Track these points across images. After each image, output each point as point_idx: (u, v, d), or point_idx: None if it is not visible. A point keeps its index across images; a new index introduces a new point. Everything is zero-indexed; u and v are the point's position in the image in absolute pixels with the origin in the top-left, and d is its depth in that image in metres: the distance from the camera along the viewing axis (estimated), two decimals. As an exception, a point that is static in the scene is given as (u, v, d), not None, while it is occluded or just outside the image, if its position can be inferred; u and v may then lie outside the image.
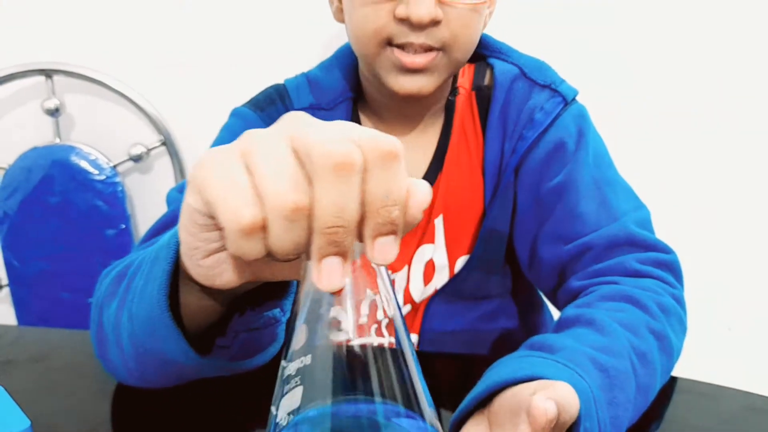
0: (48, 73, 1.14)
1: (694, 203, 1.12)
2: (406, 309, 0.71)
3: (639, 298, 0.53)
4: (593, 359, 0.44)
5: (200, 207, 0.28)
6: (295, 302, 0.29)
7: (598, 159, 0.65)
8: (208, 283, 0.35)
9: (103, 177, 1.18)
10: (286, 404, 0.27)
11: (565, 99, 0.65)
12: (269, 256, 0.26)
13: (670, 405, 0.52)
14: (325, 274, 0.25)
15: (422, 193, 0.26)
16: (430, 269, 0.69)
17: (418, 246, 0.68)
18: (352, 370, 0.26)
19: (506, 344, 0.73)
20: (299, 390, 0.27)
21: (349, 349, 0.27)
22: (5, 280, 1.24)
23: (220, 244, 0.32)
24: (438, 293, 0.69)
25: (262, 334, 0.42)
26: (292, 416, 0.27)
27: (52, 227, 1.20)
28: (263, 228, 0.25)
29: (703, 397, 0.53)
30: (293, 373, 0.27)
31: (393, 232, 0.25)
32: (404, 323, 0.29)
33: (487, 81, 0.68)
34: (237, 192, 0.25)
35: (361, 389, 0.26)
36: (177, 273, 0.37)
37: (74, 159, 1.17)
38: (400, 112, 0.67)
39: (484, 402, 0.41)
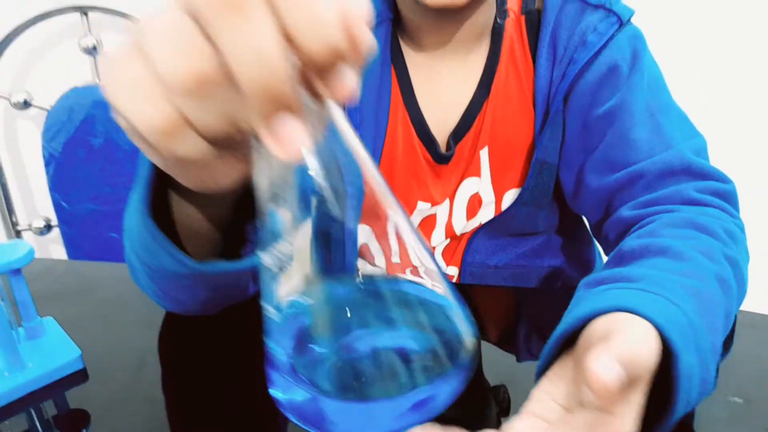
0: (83, 10, 1.13)
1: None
2: (446, 242, 0.69)
3: (707, 224, 0.49)
4: (682, 284, 0.40)
5: (125, 124, 0.23)
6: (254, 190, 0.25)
7: (653, 84, 0.61)
8: (186, 183, 0.31)
9: (143, 116, 1.18)
10: (271, 286, 0.24)
11: (620, 19, 0.60)
12: (217, 145, 0.22)
13: (734, 338, 0.49)
14: (282, 140, 0.20)
15: (356, 3, 0.21)
16: (474, 203, 0.67)
17: (462, 179, 0.66)
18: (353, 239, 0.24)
19: (552, 280, 0.71)
20: (289, 269, 0.24)
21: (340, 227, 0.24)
22: (55, 221, 1.28)
23: None
24: (483, 227, 0.67)
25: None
26: (289, 286, 0.24)
27: (97, 168, 1.22)
28: (186, 121, 0.21)
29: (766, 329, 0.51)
30: (277, 252, 0.24)
31: (340, 60, 0.21)
32: (426, 247, 0.25)
33: (537, 4, 0.64)
34: (138, 90, 0.21)
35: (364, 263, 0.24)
36: (164, 183, 0.35)
37: (114, 99, 1.18)
38: (439, 35, 0.63)
39: (569, 343, 0.37)
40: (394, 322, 0.24)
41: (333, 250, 0.24)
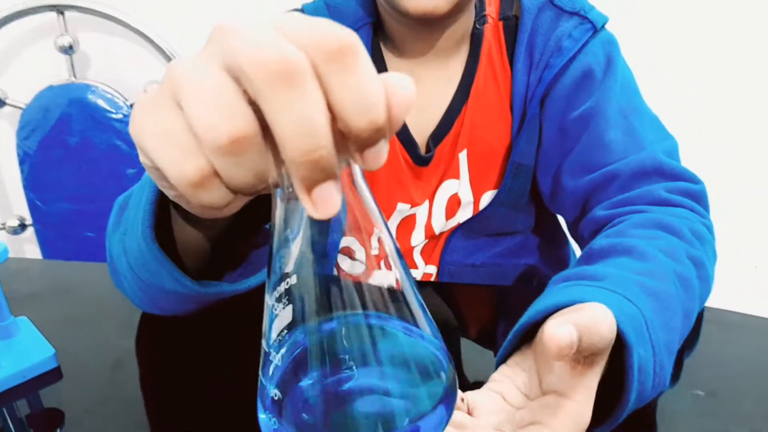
0: (60, 9, 1.12)
1: (717, 130, 1.08)
2: (425, 242, 0.70)
3: (673, 225, 0.51)
4: (641, 284, 0.41)
5: (151, 165, 0.24)
6: (270, 228, 0.26)
7: (626, 88, 0.62)
8: (197, 212, 0.33)
9: (120, 116, 1.17)
10: (277, 325, 0.26)
11: (594, 26, 0.61)
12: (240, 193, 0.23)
13: (701, 334, 0.51)
14: (320, 203, 0.21)
15: (404, 88, 0.22)
16: (453, 204, 0.68)
17: (441, 181, 0.67)
18: (341, 290, 0.25)
19: (528, 279, 0.72)
20: (289, 308, 0.25)
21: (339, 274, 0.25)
22: (29, 220, 1.26)
23: None
24: (460, 227, 0.68)
25: (261, 244, 0.42)
26: (285, 331, 0.26)
27: (73, 167, 1.20)
28: (215, 174, 0.22)
29: (733, 327, 0.52)
30: (278, 297, 0.26)
31: (381, 138, 0.22)
32: (399, 253, 0.27)
33: (514, 10, 0.65)
34: (172, 142, 0.22)
35: (357, 306, 0.25)
36: (166, 201, 0.36)
37: (91, 98, 1.17)
38: (420, 42, 0.64)
39: (530, 336, 0.38)
40: (379, 363, 0.25)
41: (331, 293, 0.25)
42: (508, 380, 0.36)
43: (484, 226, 0.68)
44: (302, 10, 0.67)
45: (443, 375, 0.27)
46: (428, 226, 0.68)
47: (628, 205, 0.57)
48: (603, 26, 0.62)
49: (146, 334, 0.53)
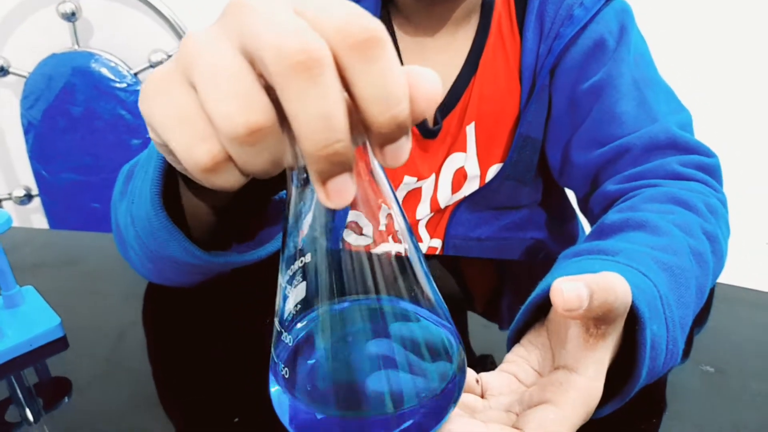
0: (62, -25, 1.10)
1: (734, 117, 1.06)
2: (430, 215, 0.69)
3: (688, 199, 0.50)
4: (656, 259, 0.40)
5: (161, 142, 0.24)
6: (285, 206, 0.26)
7: (639, 58, 0.61)
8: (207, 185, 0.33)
9: (124, 85, 1.16)
10: (290, 304, 0.26)
11: (607, -8, 0.59)
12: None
13: (711, 310, 0.50)
14: (333, 194, 0.21)
15: (429, 82, 0.21)
16: (459, 177, 0.67)
17: (447, 154, 0.66)
18: (353, 271, 0.25)
19: (534, 253, 0.72)
20: (301, 287, 0.26)
21: (350, 253, 0.25)
22: (35, 190, 1.26)
23: None
24: (465, 200, 0.68)
25: (270, 219, 0.41)
26: (298, 309, 0.26)
27: (77, 137, 1.20)
28: (229, 158, 0.21)
29: (743, 304, 0.52)
30: (290, 277, 0.26)
31: (403, 135, 0.21)
32: (410, 231, 0.27)
33: None
34: (185, 125, 0.21)
35: (368, 287, 0.25)
36: (173, 169, 0.36)
37: (94, 66, 1.15)
38: (431, 14, 0.63)
39: (542, 312, 0.37)
40: (390, 342, 0.26)
41: (343, 273, 0.25)
42: (522, 360, 0.36)
43: (490, 199, 0.68)
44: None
45: (453, 355, 0.27)
46: (434, 200, 0.67)
47: (641, 179, 0.56)
48: (617, -7, 0.61)
49: (151, 304, 0.53)
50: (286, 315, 0.26)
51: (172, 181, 0.38)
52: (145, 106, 0.23)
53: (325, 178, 0.21)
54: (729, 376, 0.42)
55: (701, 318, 0.48)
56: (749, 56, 1.03)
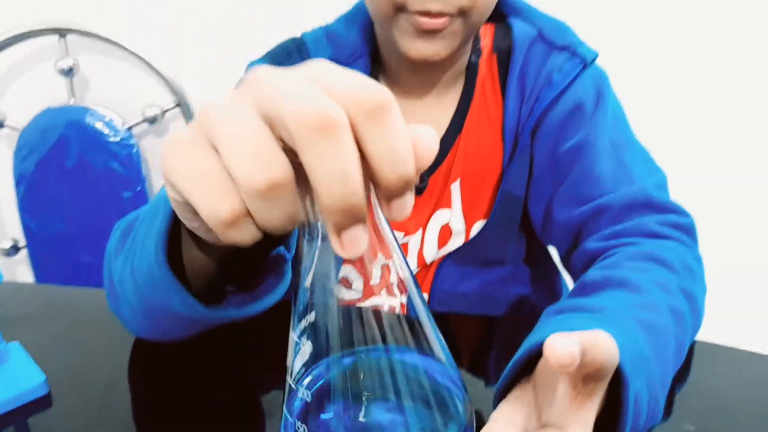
0: (62, 33, 1.13)
1: (705, 170, 1.10)
2: (416, 270, 0.70)
3: (665, 258, 0.52)
4: (637, 317, 0.42)
5: (181, 200, 0.26)
6: (296, 262, 0.28)
7: (616, 122, 0.63)
8: (212, 241, 0.34)
9: (118, 138, 1.18)
10: (300, 360, 0.27)
11: (584, 61, 0.63)
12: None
13: (691, 367, 0.51)
14: (348, 245, 0.23)
15: (429, 140, 0.23)
16: (445, 233, 0.68)
17: (434, 210, 0.68)
18: (363, 324, 0.26)
19: (520, 308, 0.73)
20: (310, 343, 0.27)
21: (359, 307, 0.26)
22: (23, 242, 1.26)
23: None
24: (450, 255, 0.69)
25: (269, 273, 0.42)
26: (305, 368, 0.27)
27: (68, 189, 1.21)
28: (248, 213, 0.23)
29: (725, 361, 0.53)
30: (302, 332, 0.27)
31: (408, 190, 0.23)
32: (416, 283, 0.28)
33: (506, 43, 0.66)
34: (207, 183, 0.23)
35: (377, 340, 0.26)
36: (178, 224, 0.37)
37: (89, 120, 1.17)
38: (419, 77, 0.65)
39: (529, 369, 0.38)
40: (398, 396, 0.27)
41: (352, 327, 0.26)
42: (507, 418, 0.36)
43: (475, 254, 0.69)
44: (303, 39, 0.68)
45: (461, 408, 0.27)
46: (420, 255, 0.69)
47: (620, 237, 0.58)
48: (593, 61, 0.64)
49: (138, 358, 0.52)
50: (297, 371, 0.27)
51: (174, 237, 0.39)
52: (167, 166, 0.25)
53: (340, 230, 0.23)
54: (709, 435, 0.42)
55: (683, 376, 0.49)
56: (722, 118, 1.07)
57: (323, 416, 0.27)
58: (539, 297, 0.74)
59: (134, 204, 1.20)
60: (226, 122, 0.23)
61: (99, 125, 1.18)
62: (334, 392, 0.27)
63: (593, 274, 0.51)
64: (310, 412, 0.27)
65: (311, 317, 0.27)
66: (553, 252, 0.75)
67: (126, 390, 0.49)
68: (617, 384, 0.35)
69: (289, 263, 0.43)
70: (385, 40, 0.63)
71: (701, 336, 0.53)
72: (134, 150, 1.19)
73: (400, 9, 0.55)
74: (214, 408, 0.46)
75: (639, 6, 1.02)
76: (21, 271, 1.41)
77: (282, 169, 0.22)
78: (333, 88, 0.22)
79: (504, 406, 0.37)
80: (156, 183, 1.25)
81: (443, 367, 0.28)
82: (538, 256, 0.74)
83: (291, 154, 0.22)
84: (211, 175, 0.23)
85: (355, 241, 0.23)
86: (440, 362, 0.28)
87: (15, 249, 1.30)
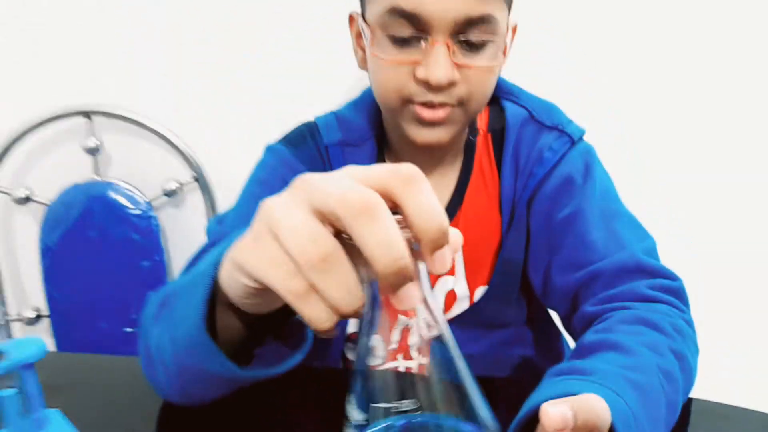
0: (88, 114, 1.21)
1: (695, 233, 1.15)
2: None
3: (656, 321, 0.56)
4: (627, 378, 0.46)
5: (252, 284, 0.34)
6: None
7: (605, 193, 0.69)
8: (252, 311, 0.39)
9: (138, 211, 1.24)
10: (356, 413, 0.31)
11: (571, 138, 0.69)
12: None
13: (689, 426, 0.54)
14: (404, 300, 0.28)
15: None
16: (450, 299, 0.73)
17: (438, 277, 0.72)
18: (413, 385, 0.31)
19: (523, 369, 0.76)
20: (360, 410, 0.31)
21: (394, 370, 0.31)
22: (45, 311, 1.31)
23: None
24: (455, 319, 0.73)
25: (293, 336, 0.46)
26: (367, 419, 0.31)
27: (91, 260, 1.26)
28: (315, 290, 0.29)
29: (721, 419, 0.55)
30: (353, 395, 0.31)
31: (446, 242, 0.29)
32: (450, 333, 0.33)
33: (501, 123, 0.73)
34: (278, 267, 0.29)
35: (424, 401, 0.31)
36: (213, 297, 0.42)
37: (112, 194, 1.24)
38: (421, 156, 0.71)
39: (529, 428, 0.41)
40: None
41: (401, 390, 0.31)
42: None
43: (478, 318, 0.73)
44: (315, 123, 0.74)
45: None
46: (427, 321, 0.73)
47: (614, 301, 0.62)
48: (580, 138, 0.70)
49: (168, 421, 0.56)
50: (350, 418, 0.31)
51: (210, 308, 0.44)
52: (242, 259, 0.32)
53: (395, 289, 0.28)
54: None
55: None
56: (703, 183, 1.13)
57: None
58: (542, 358, 0.77)
59: (152, 272, 1.25)
60: (284, 217, 0.29)
61: (121, 199, 1.24)
62: None
63: (589, 337, 0.55)
64: None
65: (361, 383, 0.32)
66: (555, 315, 0.79)
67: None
68: None
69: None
70: (391, 124, 0.70)
71: (700, 395, 0.57)
72: (153, 222, 1.25)
73: (407, 101, 0.62)
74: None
75: (622, 77, 1.09)
76: (42, 338, 1.44)
77: (330, 242, 0.28)
78: (367, 176, 0.29)
79: None
80: (173, 253, 1.30)
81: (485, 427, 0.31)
82: (540, 319, 0.78)
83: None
84: (278, 259, 0.29)
85: (408, 296, 0.28)
86: (482, 424, 0.31)
87: (37, 317, 1.35)
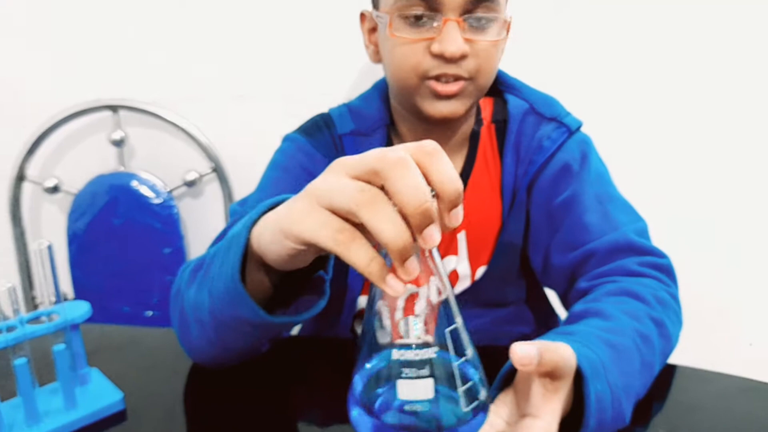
0: (114, 108, 1.28)
1: (688, 215, 1.20)
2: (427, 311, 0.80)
3: (638, 292, 0.61)
4: (600, 337, 0.52)
5: (298, 246, 0.41)
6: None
7: (600, 178, 0.74)
8: (284, 267, 0.46)
9: (160, 201, 1.31)
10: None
11: (569, 129, 0.74)
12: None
13: (673, 388, 0.59)
14: (409, 270, 0.35)
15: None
16: (452, 278, 0.78)
17: (443, 257, 0.78)
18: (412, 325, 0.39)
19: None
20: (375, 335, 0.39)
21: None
22: (71, 295, 1.37)
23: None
24: (457, 297, 0.78)
25: (313, 290, 0.52)
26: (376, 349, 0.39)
27: (114, 246, 1.33)
28: (358, 235, 0.36)
29: (701, 381, 0.60)
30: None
31: (461, 202, 0.36)
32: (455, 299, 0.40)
33: (503, 115, 0.78)
34: (327, 227, 0.37)
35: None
36: (244, 259, 0.48)
37: (135, 185, 1.31)
38: (427, 138, 0.76)
39: (511, 379, 0.48)
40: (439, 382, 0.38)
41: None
42: (494, 413, 0.46)
43: (479, 296, 0.78)
44: (329, 114, 0.80)
45: (480, 394, 0.37)
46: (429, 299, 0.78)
47: (605, 276, 0.67)
48: (578, 129, 0.75)
49: (197, 382, 0.62)
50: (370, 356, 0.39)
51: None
52: (292, 225, 0.40)
53: (421, 228, 0.34)
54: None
55: (659, 395, 0.57)
56: (696, 173, 1.17)
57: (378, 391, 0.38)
58: (538, 335, 0.82)
59: (173, 259, 1.32)
60: (331, 185, 0.37)
61: (143, 189, 1.31)
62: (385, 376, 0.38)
63: (577, 307, 0.61)
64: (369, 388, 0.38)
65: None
66: (551, 295, 0.85)
67: (190, 406, 0.58)
68: (581, 385, 0.44)
69: (328, 283, 0.52)
70: (402, 111, 0.75)
71: (682, 361, 0.62)
72: (174, 211, 1.31)
73: (423, 77, 0.67)
74: (263, 425, 0.55)
75: (619, 75, 1.14)
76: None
77: (374, 190, 0.35)
78: (397, 149, 0.36)
79: (493, 406, 0.46)
80: (192, 240, 1.37)
81: (470, 363, 0.38)
82: (537, 299, 0.83)
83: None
84: (328, 221, 0.37)
85: (412, 267, 0.35)
86: (467, 360, 0.38)
87: (64, 300, 1.41)
